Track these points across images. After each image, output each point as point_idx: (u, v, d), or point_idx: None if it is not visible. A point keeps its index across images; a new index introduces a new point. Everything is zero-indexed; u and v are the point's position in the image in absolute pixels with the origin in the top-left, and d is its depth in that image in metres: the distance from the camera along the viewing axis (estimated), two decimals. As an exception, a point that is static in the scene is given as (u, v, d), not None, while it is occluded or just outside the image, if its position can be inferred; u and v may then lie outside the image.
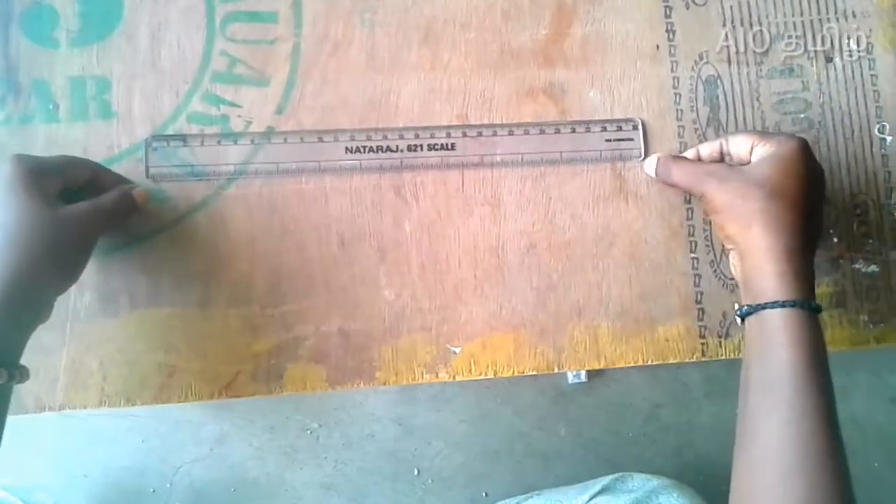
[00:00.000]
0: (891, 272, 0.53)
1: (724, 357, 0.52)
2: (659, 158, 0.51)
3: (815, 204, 0.45)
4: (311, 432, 0.98)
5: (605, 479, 0.75)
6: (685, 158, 0.50)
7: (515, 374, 0.51)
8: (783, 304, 0.42)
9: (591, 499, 0.73)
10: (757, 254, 0.43)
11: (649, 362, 0.52)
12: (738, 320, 0.45)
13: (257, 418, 0.98)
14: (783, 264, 0.42)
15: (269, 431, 0.99)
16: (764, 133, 0.48)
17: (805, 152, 0.45)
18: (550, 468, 0.97)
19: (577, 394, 0.97)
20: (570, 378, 0.97)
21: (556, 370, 0.51)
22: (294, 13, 0.53)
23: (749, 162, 0.46)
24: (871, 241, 0.54)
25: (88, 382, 0.48)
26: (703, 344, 0.52)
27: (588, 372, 0.97)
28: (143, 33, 0.52)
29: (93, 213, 0.44)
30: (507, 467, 0.98)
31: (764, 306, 0.42)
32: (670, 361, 0.52)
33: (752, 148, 0.46)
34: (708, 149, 0.50)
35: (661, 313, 0.52)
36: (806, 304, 0.42)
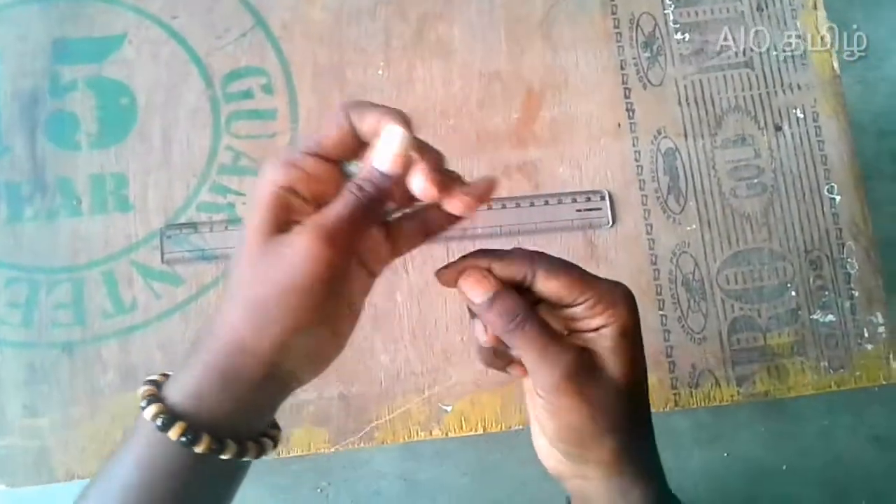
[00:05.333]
0: (846, 321, 0.58)
1: (695, 406, 0.56)
2: (502, 296, 0.34)
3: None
4: (321, 490, 1.02)
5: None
6: (541, 325, 0.34)
7: (503, 429, 0.55)
8: None
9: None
10: (633, 484, 0.36)
11: (626, 414, 0.56)
12: None
13: (270, 478, 1.02)
14: (659, 489, 0.37)
15: (282, 491, 1.03)
16: (589, 281, 0.35)
17: (636, 316, 0.36)
18: (554, 516, 1.00)
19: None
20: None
21: (539, 424, 0.56)
22: (290, 110, 0.59)
23: (583, 324, 0.35)
24: (826, 293, 0.58)
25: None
26: (675, 394, 0.56)
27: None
28: (155, 134, 0.58)
29: (314, 239, 0.30)
30: (512, 518, 1.00)
31: None
32: (645, 412, 0.56)
33: (572, 304, 0.35)
34: (511, 269, 0.35)
35: (635, 368, 0.56)
36: None
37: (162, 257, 0.55)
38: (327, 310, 0.32)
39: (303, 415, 0.54)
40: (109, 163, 0.57)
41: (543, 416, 0.35)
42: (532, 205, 0.58)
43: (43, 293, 0.54)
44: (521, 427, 0.56)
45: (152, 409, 0.31)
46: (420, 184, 0.32)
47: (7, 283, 0.54)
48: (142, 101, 0.58)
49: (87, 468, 0.53)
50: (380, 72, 0.60)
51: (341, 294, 0.33)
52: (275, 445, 0.35)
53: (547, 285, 0.35)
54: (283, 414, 0.53)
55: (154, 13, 0.59)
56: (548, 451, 0.37)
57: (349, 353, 0.54)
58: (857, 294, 0.58)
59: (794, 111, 0.61)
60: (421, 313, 0.56)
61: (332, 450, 0.54)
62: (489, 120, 0.59)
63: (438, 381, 0.55)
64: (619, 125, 0.60)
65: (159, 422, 0.30)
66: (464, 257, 0.36)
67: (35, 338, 0.54)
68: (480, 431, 0.55)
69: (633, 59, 0.61)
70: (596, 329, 0.34)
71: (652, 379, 0.56)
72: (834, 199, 0.59)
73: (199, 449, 0.30)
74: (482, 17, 0.61)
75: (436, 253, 0.57)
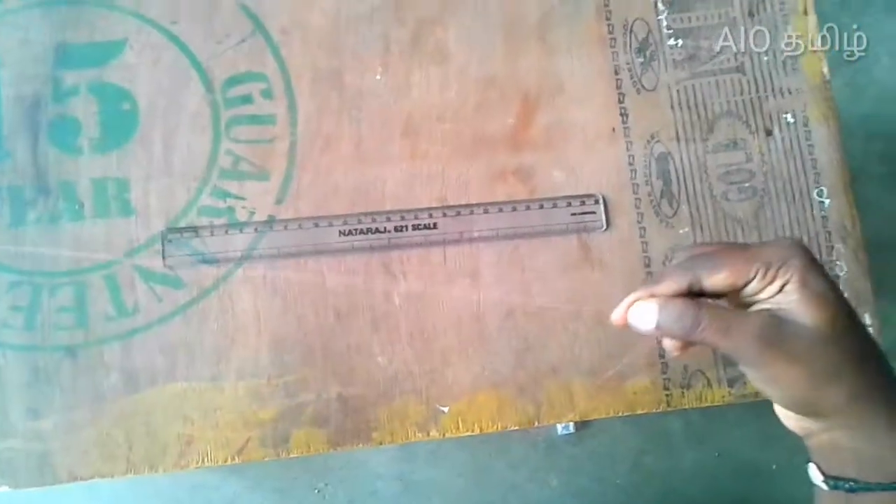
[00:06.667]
0: (836, 322, 0.59)
1: (688, 406, 0.57)
2: (668, 307, 0.36)
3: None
4: (318, 491, 1.03)
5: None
6: (720, 310, 0.36)
7: (499, 429, 0.56)
8: None
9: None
10: (875, 427, 0.36)
11: (619, 414, 0.57)
12: (823, 486, 0.38)
13: (267, 480, 1.03)
14: None
15: (279, 492, 1.03)
16: (750, 255, 0.36)
17: (818, 261, 0.36)
18: (544, 518, 1.02)
19: (566, 445, 1.02)
20: (560, 430, 1.02)
21: (535, 424, 0.57)
22: (290, 115, 0.59)
23: (760, 295, 0.36)
24: (816, 294, 0.59)
25: (116, 453, 0.54)
26: (667, 395, 0.57)
27: (575, 423, 1.02)
28: (156, 139, 0.58)
29: None
30: (503, 519, 1.02)
31: (891, 486, 0.35)
32: (638, 412, 0.57)
33: (747, 283, 0.36)
34: (671, 287, 0.37)
35: (628, 369, 0.57)
36: None
37: (164, 261, 0.56)
38: None
39: (302, 416, 0.55)
40: (111, 167, 0.58)
41: (764, 387, 0.36)
42: (528, 208, 0.59)
43: (45, 296, 0.55)
44: (517, 427, 0.57)
45: None
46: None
47: (10, 286, 0.55)
48: (143, 106, 0.59)
49: (89, 470, 0.53)
50: (378, 77, 0.61)
51: None
52: None
53: (715, 281, 0.36)
54: (283, 416, 0.54)
55: (154, 18, 0.60)
56: (786, 416, 0.39)
57: (347, 355, 0.55)
58: (846, 296, 0.59)
59: (784, 115, 0.62)
60: (418, 315, 0.57)
61: (331, 451, 0.55)
62: (485, 124, 0.60)
63: (436, 381, 0.56)
64: (614, 130, 0.61)
65: None
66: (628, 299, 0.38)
67: (38, 341, 0.55)
68: (477, 432, 0.56)
69: (627, 64, 0.62)
70: (779, 291, 0.35)
71: (644, 381, 0.57)
72: (823, 202, 0.61)
73: None
74: (478, 23, 0.62)
75: (433, 257, 0.58)
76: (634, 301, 0.37)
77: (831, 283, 0.35)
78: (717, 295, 0.37)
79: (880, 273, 0.62)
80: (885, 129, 1.09)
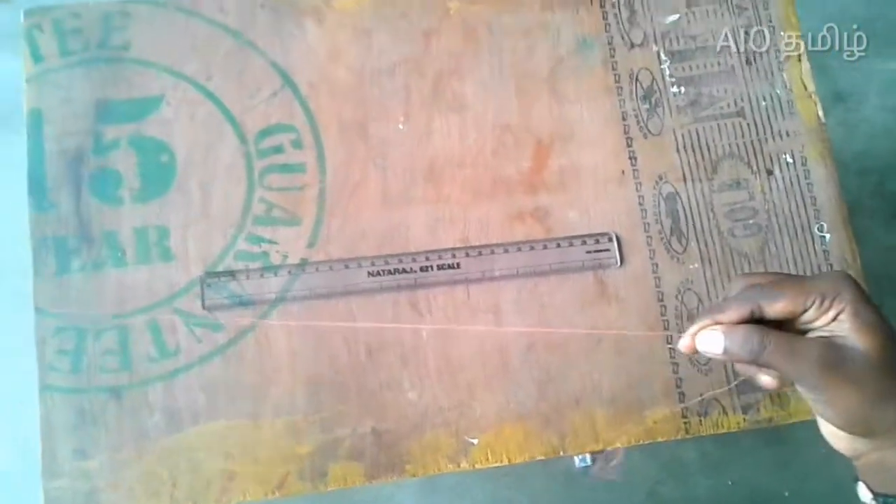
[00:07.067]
0: (841, 349, 0.62)
1: (705, 433, 0.60)
2: (733, 333, 0.40)
3: None
4: (347, 526, 1.04)
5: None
6: (783, 336, 0.39)
7: (527, 459, 0.59)
8: None
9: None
10: None
11: (640, 442, 0.60)
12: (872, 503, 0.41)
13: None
14: None
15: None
16: (807, 287, 0.39)
17: (866, 292, 0.40)
18: (566, 547, 1.04)
19: (585, 476, 1.05)
20: (577, 462, 1.04)
21: (560, 454, 0.59)
22: (319, 163, 0.63)
23: (815, 324, 0.40)
24: (820, 323, 0.63)
25: (160, 490, 0.56)
26: (685, 423, 0.60)
27: (592, 455, 1.04)
28: (194, 188, 0.62)
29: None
30: (526, 551, 1.03)
31: None
32: (658, 440, 0.60)
33: (804, 311, 0.39)
34: (735, 315, 0.40)
35: (648, 398, 0.60)
36: None
37: (203, 304, 0.59)
38: None
39: (338, 451, 0.57)
40: (152, 216, 0.61)
41: (820, 409, 0.40)
42: (545, 247, 0.62)
43: (90, 340, 0.58)
44: (543, 457, 0.59)
45: None
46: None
47: (56, 331, 0.58)
48: (181, 158, 0.62)
49: (134, 506, 0.56)
50: (400, 126, 0.64)
51: None
52: None
53: (774, 309, 0.40)
54: (320, 450, 0.57)
55: (190, 75, 0.64)
56: (837, 437, 0.41)
57: (380, 391, 0.58)
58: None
59: (783, 156, 0.66)
60: (444, 351, 0.60)
61: (367, 483, 0.57)
62: (502, 168, 0.64)
63: (464, 414, 0.59)
64: (623, 172, 0.64)
65: None
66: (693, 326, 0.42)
67: (84, 384, 0.57)
68: (506, 462, 0.59)
69: (634, 110, 0.66)
70: (833, 320, 0.39)
71: (664, 410, 0.60)
72: (824, 237, 0.64)
73: None
74: (493, 75, 0.66)
75: (457, 295, 0.61)
76: (700, 328, 0.41)
77: (879, 314, 0.39)
78: (776, 323, 0.40)
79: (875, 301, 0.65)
80: (877, 165, 1.15)
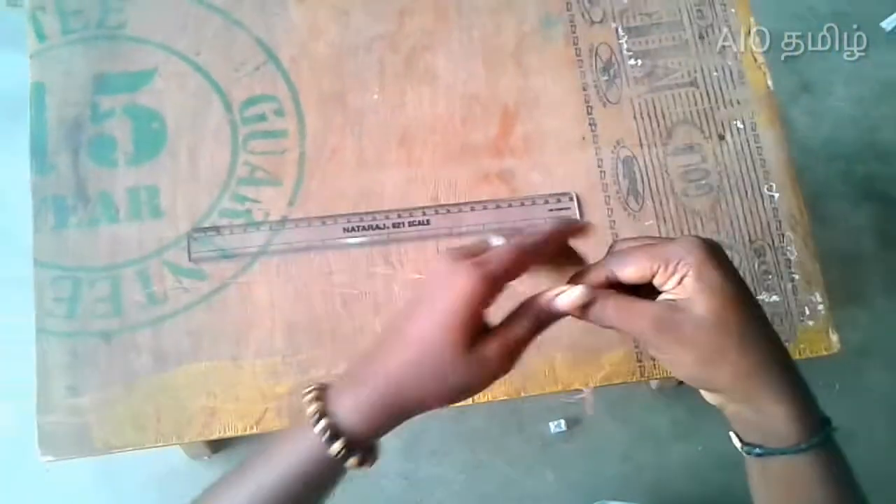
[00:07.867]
0: (789, 300, 0.66)
1: (658, 376, 0.64)
2: (586, 295, 0.41)
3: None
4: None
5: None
6: (624, 299, 0.41)
7: (490, 400, 0.63)
8: (808, 448, 0.39)
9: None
10: (761, 401, 0.39)
11: (597, 384, 0.64)
12: (744, 454, 0.42)
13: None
14: (796, 405, 0.39)
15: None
16: (653, 252, 0.41)
17: (719, 255, 0.40)
18: (542, 509, 1.08)
19: (559, 442, 1.08)
20: (553, 428, 1.08)
21: (522, 395, 0.63)
22: (299, 130, 0.68)
23: (663, 287, 0.41)
24: (770, 276, 0.67)
25: (146, 425, 0.60)
26: (640, 366, 0.64)
27: (567, 422, 1.08)
28: (182, 152, 0.66)
29: (503, 360, 0.40)
30: (503, 511, 1.07)
31: (786, 451, 0.39)
32: (615, 382, 0.63)
33: (653, 275, 0.40)
34: (593, 280, 0.42)
35: (604, 343, 0.64)
36: (827, 437, 0.40)
37: (189, 256, 0.63)
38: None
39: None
40: (143, 177, 0.66)
41: (666, 367, 0.42)
42: (510, 206, 0.67)
43: (85, 289, 0.62)
44: (506, 398, 0.63)
45: (322, 423, 0.39)
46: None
47: (53, 280, 0.62)
48: (171, 125, 0.67)
49: (123, 441, 0.60)
50: (375, 96, 0.69)
51: None
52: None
53: (625, 274, 0.41)
54: (297, 390, 0.61)
55: (180, 50, 0.69)
56: (702, 391, 0.43)
57: (353, 336, 0.62)
58: (797, 277, 0.66)
59: (734, 122, 0.70)
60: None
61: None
62: (471, 135, 0.69)
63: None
64: (584, 138, 0.69)
65: (326, 435, 0.38)
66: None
67: (78, 328, 0.61)
68: (469, 403, 0.62)
69: (594, 81, 0.71)
70: (679, 284, 0.40)
71: (619, 353, 0.64)
72: (773, 195, 0.68)
73: (348, 463, 0.39)
74: (463, 49, 0.71)
75: (427, 250, 0.66)
76: (560, 291, 0.42)
77: (727, 277, 0.40)
78: (635, 287, 0.42)
79: (843, 282, 0.69)
80: (843, 151, 1.19)
